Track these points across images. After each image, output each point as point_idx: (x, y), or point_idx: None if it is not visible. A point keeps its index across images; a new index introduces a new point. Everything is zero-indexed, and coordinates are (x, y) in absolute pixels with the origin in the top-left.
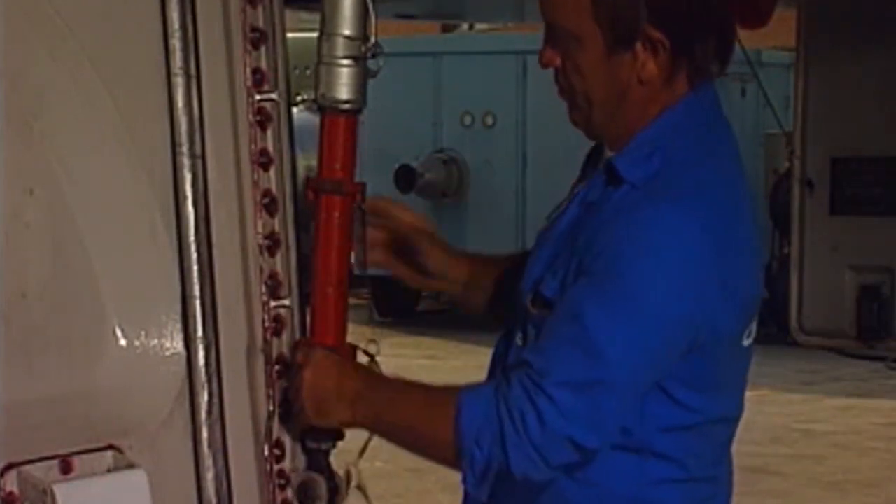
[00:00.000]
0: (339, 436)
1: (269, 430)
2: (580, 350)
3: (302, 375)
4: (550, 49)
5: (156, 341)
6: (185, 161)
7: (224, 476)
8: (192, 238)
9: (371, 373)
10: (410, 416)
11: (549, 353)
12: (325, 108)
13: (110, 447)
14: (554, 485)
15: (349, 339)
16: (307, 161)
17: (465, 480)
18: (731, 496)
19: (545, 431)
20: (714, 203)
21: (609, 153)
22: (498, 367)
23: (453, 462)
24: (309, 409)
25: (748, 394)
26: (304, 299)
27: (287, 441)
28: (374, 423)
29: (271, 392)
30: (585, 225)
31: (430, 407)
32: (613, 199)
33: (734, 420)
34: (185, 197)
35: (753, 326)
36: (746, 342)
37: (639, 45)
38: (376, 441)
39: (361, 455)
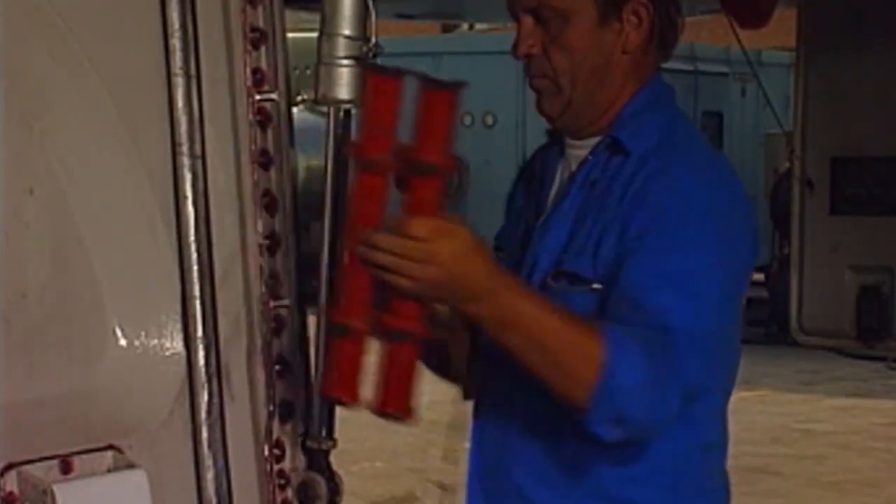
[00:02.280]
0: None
1: (269, 430)
2: (697, 347)
3: (434, 250)
4: (529, 37)
5: (156, 341)
6: (185, 161)
7: (224, 476)
8: (192, 238)
9: (507, 272)
10: (549, 340)
11: (675, 345)
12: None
13: (110, 447)
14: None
15: None
16: (307, 161)
17: (588, 420)
18: None
19: (669, 410)
20: (726, 168)
21: (573, 142)
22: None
23: (575, 395)
24: (425, 288)
25: (748, 394)
26: (304, 299)
27: (287, 441)
28: (500, 328)
29: (271, 392)
30: (599, 199)
31: (576, 343)
32: (625, 170)
33: None
34: (185, 197)
35: None
36: None
37: (626, 14)
38: (376, 441)
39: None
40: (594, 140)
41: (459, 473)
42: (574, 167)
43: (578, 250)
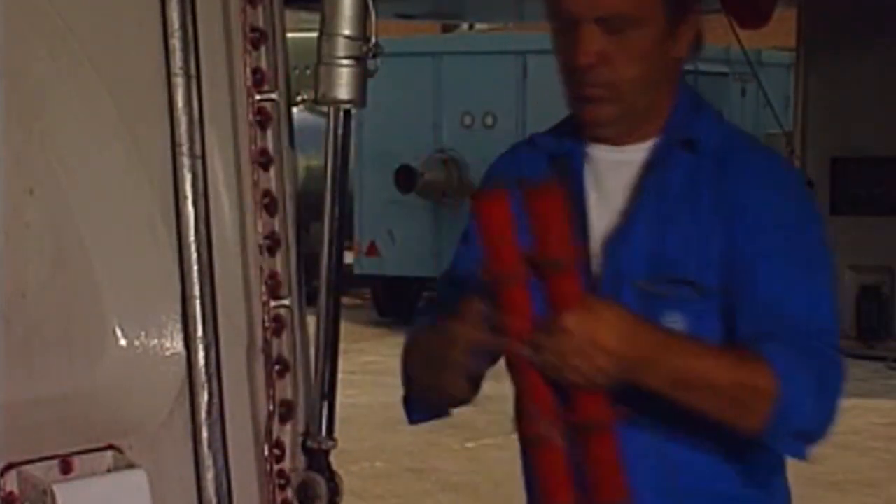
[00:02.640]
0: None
1: (269, 430)
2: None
3: (595, 339)
4: (594, 46)
5: (156, 341)
6: (185, 161)
7: (224, 476)
8: (192, 238)
9: (662, 331)
10: (722, 385)
11: (821, 359)
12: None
13: (110, 447)
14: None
15: (350, 337)
16: (307, 161)
17: (769, 441)
18: None
19: (838, 410)
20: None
21: (610, 148)
22: None
23: (751, 425)
24: (599, 377)
25: None
26: (304, 299)
27: (287, 441)
28: (674, 389)
29: (271, 392)
30: (681, 200)
31: (746, 379)
32: (703, 169)
33: None
34: (185, 197)
35: None
36: None
37: (686, 21)
38: (376, 441)
39: None
40: (641, 145)
41: (461, 473)
42: (613, 174)
43: (676, 255)
